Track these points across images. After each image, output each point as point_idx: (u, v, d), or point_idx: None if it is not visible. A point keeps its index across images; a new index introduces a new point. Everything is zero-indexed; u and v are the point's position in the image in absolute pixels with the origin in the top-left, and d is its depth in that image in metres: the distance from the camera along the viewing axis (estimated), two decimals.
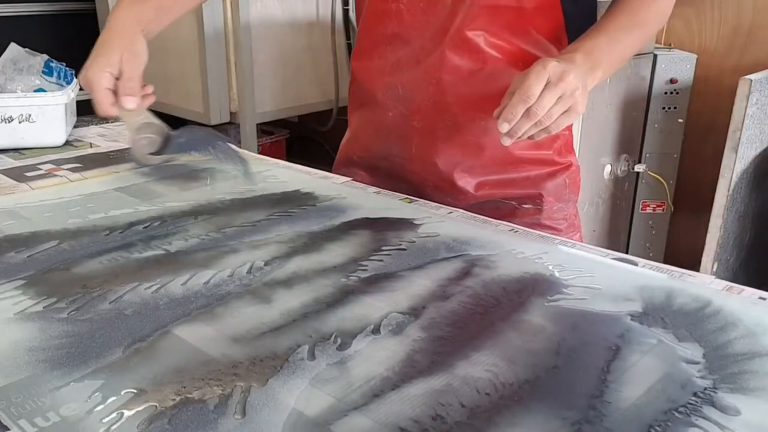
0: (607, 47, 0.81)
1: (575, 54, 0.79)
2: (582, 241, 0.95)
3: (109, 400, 0.46)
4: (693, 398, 0.48)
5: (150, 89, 0.91)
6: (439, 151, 0.93)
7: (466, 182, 0.94)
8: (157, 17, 0.94)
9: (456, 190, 0.94)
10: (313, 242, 0.74)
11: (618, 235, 2.09)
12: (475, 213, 0.85)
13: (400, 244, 0.73)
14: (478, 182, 0.94)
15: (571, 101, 0.75)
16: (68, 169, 1.01)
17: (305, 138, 3.08)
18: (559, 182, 0.96)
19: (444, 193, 0.94)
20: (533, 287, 0.64)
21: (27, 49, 1.30)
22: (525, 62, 0.81)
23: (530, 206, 0.95)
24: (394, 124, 0.96)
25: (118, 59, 0.86)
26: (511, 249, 0.72)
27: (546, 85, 0.74)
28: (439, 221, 0.81)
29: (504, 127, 0.75)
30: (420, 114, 0.93)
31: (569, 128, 0.97)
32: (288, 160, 1.13)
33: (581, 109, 0.76)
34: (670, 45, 2.09)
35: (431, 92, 0.91)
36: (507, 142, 0.76)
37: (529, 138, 0.77)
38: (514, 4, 0.85)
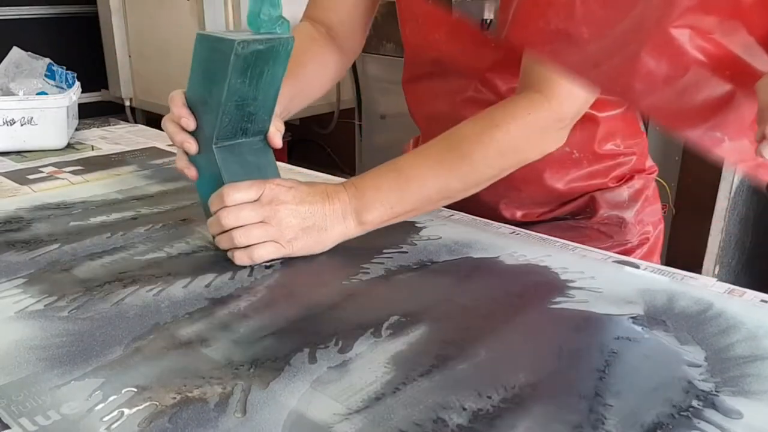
0: None
1: None
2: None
3: (110, 399, 0.46)
4: (695, 401, 0.47)
5: None
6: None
7: (512, 213, 0.88)
8: (291, 103, 0.85)
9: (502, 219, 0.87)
10: None
11: None
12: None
13: (402, 247, 0.73)
14: (524, 213, 0.89)
15: None
16: (70, 172, 1.01)
17: (307, 141, 3.08)
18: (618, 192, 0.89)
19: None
20: (535, 290, 0.64)
21: (29, 53, 1.30)
22: (732, 69, 0.67)
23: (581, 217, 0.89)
24: None
25: None
26: (513, 252, 0.72)
27: None
28: (441, 224, 0.81)
29: None
30: None
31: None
32: (289, 162, 1.13)
33: None
34: None
35: None
36: None
37: None
38: None
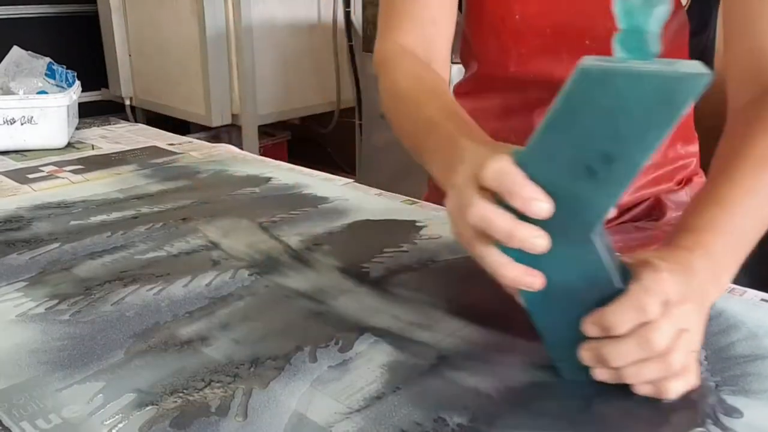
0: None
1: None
2: None
3: (111, 402, 0.46)
4: None
5: None
6: None
7: None
8: None
9: None
10: (315, 244, 0.74)
11: None
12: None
13: (402, 246, 0.73)
14: None
15: None
16: (70, 171, 1.01)
17: (307, 140, 3.08)
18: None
19: None
20: None
21: (30, 52, 1.30)
22: None
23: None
24: None
25: None
26: None
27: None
28: (441, 223, 0.81)
29: None
30: None
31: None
32: (289, 161, 1.13)
33: None
34: None
35: None
36: None
37: None
38: None
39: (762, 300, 0.62)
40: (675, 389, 0.46)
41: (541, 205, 0.45)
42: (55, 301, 0.61)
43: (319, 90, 2.72)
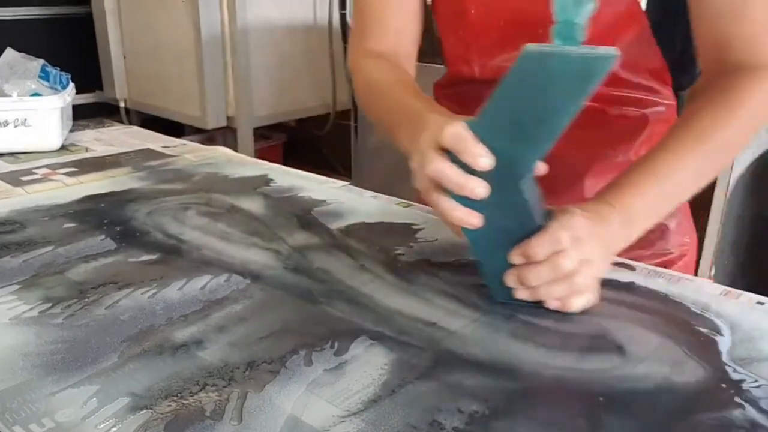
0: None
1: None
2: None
3: (105, 406, 0.46)
4: None
5: None
6: None
7: None
8: None
9: None
10: (310, 247, 0.74)
11: None
12: None
13: (398, 249, 0.73)
14: None
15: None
16: (64, 173, 1.01)
17: (302, 142, 3.08)
18: None
19: None
20: None
21: (23, 54, 1.30)
22: None
23: None
24: None
25: None
26: None
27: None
28: (437, 225, 0.81)
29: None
30: None
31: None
32: (285, 164, 1.13)
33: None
34: None
35: None
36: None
37: None
38: None
39: (758, 303, 0.62)
40: (577, 304, 0.59)
41: (485, 160, 0.56)
42: (49, 305, 0.60)
43: (315, 92, 2.72)
